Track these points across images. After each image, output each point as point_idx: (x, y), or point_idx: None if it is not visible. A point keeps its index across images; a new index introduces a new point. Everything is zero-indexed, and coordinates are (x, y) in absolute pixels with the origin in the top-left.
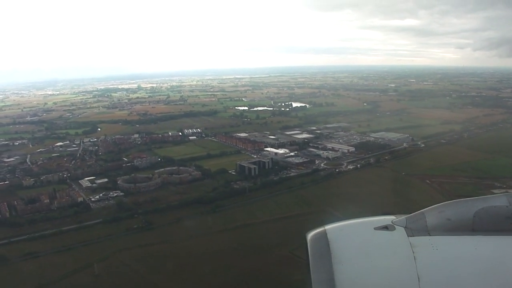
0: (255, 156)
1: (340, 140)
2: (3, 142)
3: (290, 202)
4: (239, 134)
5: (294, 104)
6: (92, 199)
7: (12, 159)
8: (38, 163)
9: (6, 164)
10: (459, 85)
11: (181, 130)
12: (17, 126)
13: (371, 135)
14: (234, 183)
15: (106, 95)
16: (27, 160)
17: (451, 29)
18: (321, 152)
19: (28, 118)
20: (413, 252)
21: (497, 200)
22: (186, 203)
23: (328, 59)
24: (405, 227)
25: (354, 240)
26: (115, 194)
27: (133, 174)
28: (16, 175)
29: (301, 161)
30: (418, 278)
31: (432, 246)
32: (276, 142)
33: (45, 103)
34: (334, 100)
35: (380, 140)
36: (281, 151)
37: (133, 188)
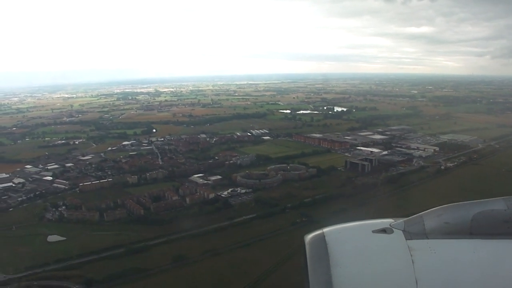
0: (348, 155)
1: (418, 141)
2: (59, 141)
3: (427, 194)
4: (314, 135)
5: (336, 108)
6: (222, 195)
7: (88, 157)
8: (123, 161)
9: (86, 162)
10: (479, 92)
11: (247, 131)
12: (58, 126)
13: (441, 137)
14: (354, 179)
15: (130, 98)
16: (106, 158)
17: (464, 37)
18: (412, 151)
19: (66, 119)
20: (411, 255)
21: (495, 203)
22: (329, 197)
23: (330, 66)
24: (403, 230)
25: (352, 243)
26: (243, 191)
27: (247, 171)
28: (108, 172)
29: (400, 159)
30: (416, 281)
31: (430, 250)
32: (357, 142)
33: (71, 105)
34: (371, 104)
35: (453, 141)
36: (375, 150)
37: (258, 184)
